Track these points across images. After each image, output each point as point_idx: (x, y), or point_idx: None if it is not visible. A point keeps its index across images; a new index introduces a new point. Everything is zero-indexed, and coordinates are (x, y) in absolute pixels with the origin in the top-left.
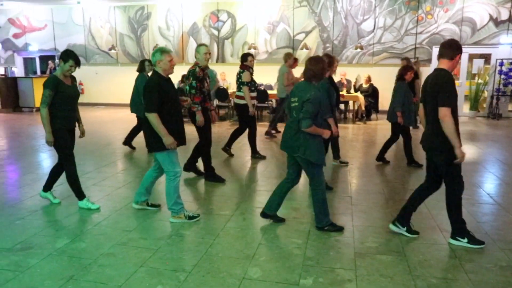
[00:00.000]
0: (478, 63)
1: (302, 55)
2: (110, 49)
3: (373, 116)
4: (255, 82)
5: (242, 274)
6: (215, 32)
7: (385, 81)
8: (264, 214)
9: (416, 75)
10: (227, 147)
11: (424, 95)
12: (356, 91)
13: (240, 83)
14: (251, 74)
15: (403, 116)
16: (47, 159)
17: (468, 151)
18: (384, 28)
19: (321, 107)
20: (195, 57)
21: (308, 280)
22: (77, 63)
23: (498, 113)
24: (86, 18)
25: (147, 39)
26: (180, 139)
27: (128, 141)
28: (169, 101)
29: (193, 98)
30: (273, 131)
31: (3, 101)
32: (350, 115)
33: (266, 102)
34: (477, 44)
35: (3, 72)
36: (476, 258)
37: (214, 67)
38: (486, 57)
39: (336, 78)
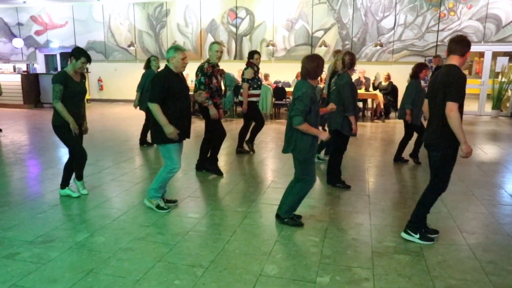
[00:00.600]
0: (502, 61)
1: (320, 52)
2: (129, 46)
3: (392, 114)
4: (258, 80)
5: (259, 270)
6: (233, 29)
7: (405, 80)
8: (278, 216)
9: None
10: (249, 143)
11: (432, 91)
12: (375, 89)
13: (242, 80)
14: (256, 72)
15: (412, 115)
16: (67, 154)
17: (490, 151)
18: (404, 25)
19: (314, 104)
20: (208, 54)
21: (325, 278)
22: (89, 60)
23: None
24: (106, 15)
25: (166, 36)
26: (184, 133)
27: (142, 140)
28: (174, 96)
29: (214, 94)
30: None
31: (25, 97)
32: (368, 113)
33: (284, 100)
34: (501, 41)
35: (25, 69)
36: (497, 260)
37: (232, 64)
38: (511, 55)
39: (355, 76)
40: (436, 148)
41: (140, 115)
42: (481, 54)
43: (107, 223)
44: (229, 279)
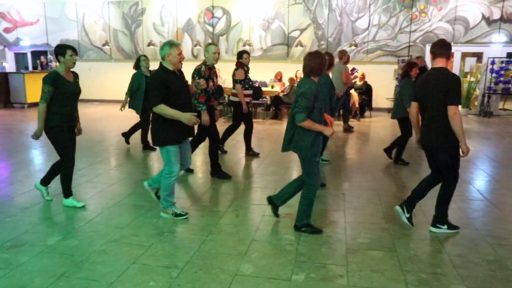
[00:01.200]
0: (471, 61)
1: (296, 52)
2: (103, 45)
3: (367, 113)
4: (249, 80)
5: (234, 270)
6: (210, 29)
7: (379, 79)
8: (270, 200)
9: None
10: (220, 144)
11: (424, 93)
12: (350, 88)
13: (233, 81)
14: (246, 71)
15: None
16: (38, 155)
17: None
18: (378, 25)
19: (318, 102)
20: (204, 56)
21: (300, 276)
22: (75, 51)
23: (489, 111)
24: (80, 13)
25: (141, 35)
26: (188, 131)
27: (127, 135)
28: (174, 95)
29: (198, 97)
30: (351, 128)
31: None
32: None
33: (260, 99)
34: (469, 42)
35: None
36: (465, 252)
37: None
38: (478, 56)
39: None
40: (444, 151)
41: (116, 115)
42: (451, 55)
43: (80, 226)
44: (204, 279)
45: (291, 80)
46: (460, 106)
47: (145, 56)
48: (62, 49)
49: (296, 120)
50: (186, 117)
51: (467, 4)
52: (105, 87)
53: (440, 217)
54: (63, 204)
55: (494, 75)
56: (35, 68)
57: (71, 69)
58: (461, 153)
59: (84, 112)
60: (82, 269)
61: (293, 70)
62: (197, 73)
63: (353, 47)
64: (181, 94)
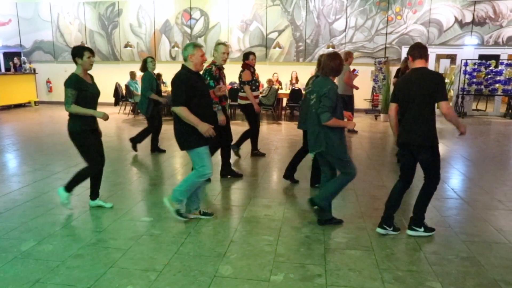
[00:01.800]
0: (445, 63)
1: (275, 54)
2: None
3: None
4: (256, 81)
5: (213, 272)
6: (188, 30)
7: (356, 80)
8: (312, 201)
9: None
10: (236, 147)
11: (404, 95)
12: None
13: (240, 83)
14: (253, 73)
15: None
16: (12, 159)
17: None
18: (355, 27)
19: (338, 100)
20: (213, 56)
21: (279, 276)
22: (92, 52)
23: (463, 112)
24: (54, 14)
25: (118, 36)
26: (212, 138)
27: (136, 140)
28: (197, 96)
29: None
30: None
31: None
32: None
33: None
34: (443, 44)
35: None
36: (439, 250)
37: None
38: (452, 58)
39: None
40: (426, 150)
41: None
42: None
43: (56, 230)
44: (183, 281)
45: (269, 81)
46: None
47: (152, 57)
48: (79, 51)
49: (322, 120)
50: (204, 128)
51: (441, 7)
52: None
53: (417, 220)
54: (58, 194)
55: (467, 76)
56: (8, 70)
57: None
58: (460, 133)
59: (60, 115)
60: (57, 275)
61: (271, 71)
62: (208, 73)
63: (330, 49)
64: (204, 95)
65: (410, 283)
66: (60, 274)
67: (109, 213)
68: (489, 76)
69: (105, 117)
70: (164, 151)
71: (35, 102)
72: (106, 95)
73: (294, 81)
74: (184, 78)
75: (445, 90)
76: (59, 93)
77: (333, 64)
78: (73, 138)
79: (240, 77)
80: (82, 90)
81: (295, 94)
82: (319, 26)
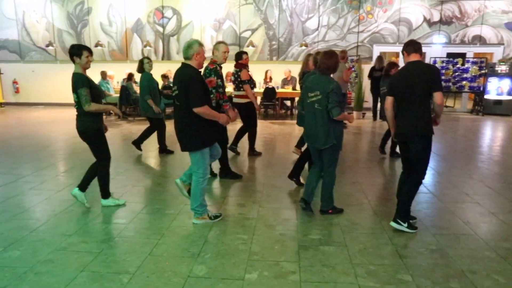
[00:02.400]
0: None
1: (248, 52)
2: (47, 46)
3: None
4: (253, 80)
5: (187, 272)
6: (160, 29)
7: None
8: (304, 201)
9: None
10: (233, 146)
11: (400, 88)
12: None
13: (239, 82)
14: (248, 71)
15: None
16: None
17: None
18: (328, 26)
19: (341, 96)
20: (213, 54)
21: (253, 274)
22: (91, 52)
23: (432, 108)
24: (19, 12)
25: (88, 35)
26: (219, 131)
27: (162, 147)
28: (207, 94)
29: (222, 96)
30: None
31: None
32: (296, 112)
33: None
34: None
35: None
36: (410, 243)
37: (159, 64)
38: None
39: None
40: (419, 139)
41: (64, 119)
42: (397, 54)
43: (23, 236)
44: (157, 283)
45: None
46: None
47: (148, 58)
48: (79, 50)
49: (334, 114)
50: (224, 119)
51: (410, 6)
52: (50, 90)
53: (402, 214)
54: (102, 205)
55: None
56: None
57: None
58: (435, 123)
59: (28, 116)
60: (25, 281)
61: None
62: (214, 73)
63: (303, 47)
64: (209, 95)
65: (382, 276)
66: (28, 280)
67: (80, 216)
68: (457, 73)
69: (119, 112)
70: (172, 152)
71: (1, 104)
72: None
73: (268, 80)
74: (198, 77)
75: (441, 81)
76: (28, 94)
77: (329, 63)
78: (89, 136)
79: (238, 76)
80: (91, 88)
81: (269, 92)
82: (292, 24)
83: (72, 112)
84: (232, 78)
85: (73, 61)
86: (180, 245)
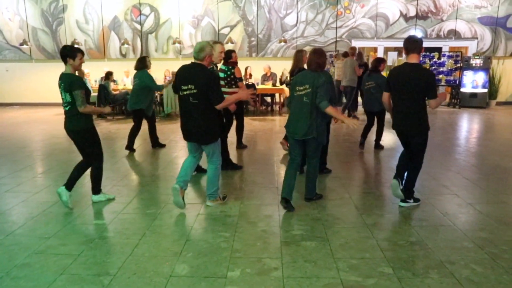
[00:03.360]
0: (393, 55)
1: (227, 49)
2: (21, 44)
3: None
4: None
5: (169, 272)
6: (138, 26)
7: None
8: (285, 201)
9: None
10: (241, 145)
11: (397, 86)
12: (281, 84)
13: (233, 79)
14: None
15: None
16: None
17: (385, 138)
18: (306, 22)
19: (333, 93)
20: None
21: (236, 272)
22: (83, 54)
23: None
24: None
25: (64, 33)
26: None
27: (154, 143)
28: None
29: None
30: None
31: None
32: (276, 108)
33: None
34: (390, 38)
35: None
36: (391, 236)
37: None
38: (399, 50)
39: (278, 71)
40: (419, 136)
41: (41, 119)
42: (375, 49)
43: None
44: (138, 283)
45: None
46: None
47: (148, 57)
48: (73, 52)
49: (323, 107)
50: (246, 93)
51: (387, 1)
52: (26, 89)
53: (408, 194)
54: (93, 201)
55: None
56: None
57: None
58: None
59: (3, 117)
60: (1, 287)
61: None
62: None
63: (282, 43)
64: None
65: (363, 270)
66: (4, 286)
67: (59, 217)
68: (433, 67)
69: (110, 111)
70: (164, 145)
71: None
72: (54, 95)
73: (248, 77)
74: (216, 76)
75: (435, 88)
76: (1, 94)
77: (320, 61)
78: (83, 135)
79: (230, 74)
80: (86, 89)
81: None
82: (271, 21)
83: (49, 112)
84: (222, 75)
85: (65, 62)
86: (162, 244)
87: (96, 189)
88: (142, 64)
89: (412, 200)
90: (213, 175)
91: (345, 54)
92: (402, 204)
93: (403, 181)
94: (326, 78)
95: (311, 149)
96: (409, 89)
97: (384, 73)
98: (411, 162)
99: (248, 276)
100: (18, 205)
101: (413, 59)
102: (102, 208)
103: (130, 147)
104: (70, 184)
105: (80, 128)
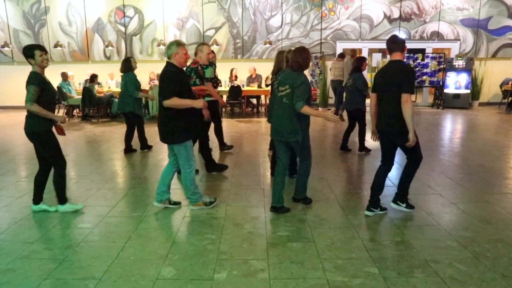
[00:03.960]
0: (377, 57)
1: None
2: (2, 46)
3: None
4: (217, 78)
5: (155, 275)
6: (122, 29)
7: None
8: (275, 209)
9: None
10: (224, 147)
11: (380, 85)
12: (267, 86)
13: (203, 79)
14: (214, 70)
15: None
16: None
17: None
18: (291, 24)
19: (310, 93)
20: (196, 55)
21: (222, 274)
22: (44, 50)
23: None
24: None
25: (47, 35)
26: (197, 131)
27: (143, 145)
28: (185, 91)
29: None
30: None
31: None
32: (262, 109)
33: None
34: (375, 39)
35: None
36: (376, 237)
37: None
38: (383, 52)
39: (264, 73)
40: (400, 136)
41: (21, 123)
42: (360, 51)
43: None
44: (124, 287)
45: None
46: (411, 96)
47: (132, 58)
48: (29, 50)
49: (297, 107)
50: (201, 103)
51: (370, 3)
52: (8, 92)
53: (402, 195)
54: (59, 211)
55: None
56: None
57: None
58: (408, 140)
59: None
60: None
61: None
62: (194, 72)
63: (268, 45)
64: (190, 91)
65: (349, 270)
66: None
67: (43, 221)
68: (417, 68)
69: (65, 121)
70: (151, 147)
71: None
72: None
73: (233, 78)
74: (173, 74)
75: (410, 83)
76: None
77: (300, 60)
78: (36, 138)
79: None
80: (45, 89)
81: (234, 91)
82: (256, 22)
83: None
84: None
85: (30, 63)
86: (148, 247)
87: (62, 199)
88: (127, 66)
89: (404, 205)
90: (183, 180)
91: (341, 55)
92: (393, 205)
93: (376, 203)
94: (305, 78)
95: (297, 151)
96: (390, 85)
97: (369, 75)
98: (409, 163)
99: (234, 278)
100: (0, 210)
101: (396, 56)
102: (87, 211)
103: (129, 149)
104: (37, 198)
105: (33, 130)
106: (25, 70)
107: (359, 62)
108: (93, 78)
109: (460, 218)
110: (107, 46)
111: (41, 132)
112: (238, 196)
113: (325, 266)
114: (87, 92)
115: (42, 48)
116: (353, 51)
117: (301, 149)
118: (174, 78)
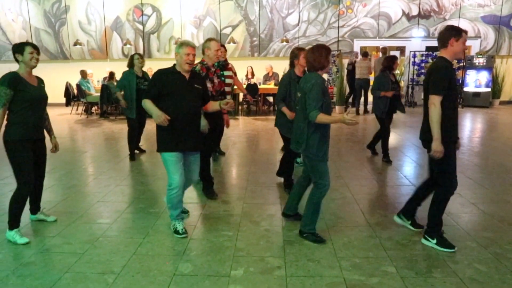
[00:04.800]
0: (395, 55)
1: (229, 49)
2: None
3: None
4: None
5: (173, 270)
6: (140, 27)
7: None
8: (286, 215)
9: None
10: (217, 151)
11: (424, 87)
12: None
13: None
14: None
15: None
16: None
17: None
18: (308, 21)
19: (325, 97)
20: (203, 53)
21: (239, 270)
22: (36, 48)
23: (414, 101)
24: None
25: (67, 34)
26: (182, 142)
27: (132, 150)
28: (168, 95)
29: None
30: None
31: None
32: None
33: None
34: (393, 37)
35: None
36: (394, 236)
37: None
38: (402, 50)
39: (280, 71)
40: (428, 145)
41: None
42: (377, 49)
43: (3, 239)
44: (142, 282)
45: None
46: (439, 97)
47: (139, 54)
48: (19, 47)
49: (311, 117)
50: (156, 114)
51: (389, 0)
52: None
53: (430, 229)
54: (6, 237)
55: (416, 67)
56: None
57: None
58: (431, 150)
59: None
60: (7, 285)
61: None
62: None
63: (284, 43)
64: (175, 95)
65: (367, 269)
66: (10, 284)
67: (63, 217)
68: None
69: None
70: (144, 151)
71: None
72: (56, 95)
73: (250, 76)
74: (158, 75)
75: (435, 83)
76: None
77: (310, 59)
78: (5, 146)
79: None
80: (19, 91)
81: (251, 88)
82: (273, 20)
83: (52, 112)
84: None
85: (17, 61)
86: (165, 243)
87: (10, 222)
88: (129, 62)
89: (434, 240)
90: (168, 200)
91: (365, 54)
92: (423, 240)
93: (407, 214)
94: (315, 80)
95: (309, 165)
96: (426, 87)
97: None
98: (435, 191)
99: (251, 275)
100: None
101: (441, 53)
102: (105, 207)
103: (136, 148)
104: (33, 207)
105: (5, 139)
106: (46, 68)
107: (390, 61)
108: (112, 75)
109: (480, 218)
110: (125, 44)
111: (7, 141)
112: (254, 193)
113: (342, 264)
114: (105, 89)
115: (34, 47)
116: (384, 48)
117: (313, 165)
118: (157, 79)
